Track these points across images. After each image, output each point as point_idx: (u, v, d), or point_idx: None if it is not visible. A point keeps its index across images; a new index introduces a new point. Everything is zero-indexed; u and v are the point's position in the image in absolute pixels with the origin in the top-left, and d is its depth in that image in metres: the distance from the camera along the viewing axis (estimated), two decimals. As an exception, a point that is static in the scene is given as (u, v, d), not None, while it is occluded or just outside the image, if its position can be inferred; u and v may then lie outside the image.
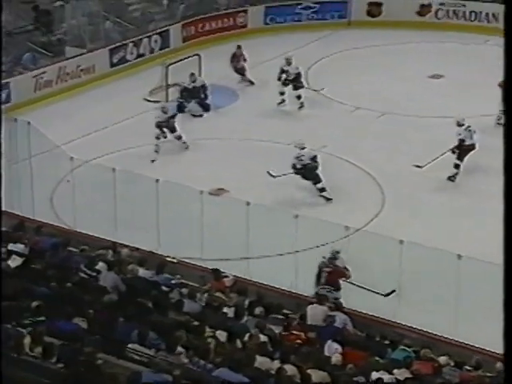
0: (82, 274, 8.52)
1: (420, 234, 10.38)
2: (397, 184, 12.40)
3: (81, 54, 16.66)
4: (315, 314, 8.38)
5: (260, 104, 15.52)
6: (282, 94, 15.08)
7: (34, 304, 6.98)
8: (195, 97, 15.16)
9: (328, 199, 11.78)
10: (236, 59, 16.36)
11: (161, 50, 17.99)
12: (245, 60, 16.36)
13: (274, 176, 11.93)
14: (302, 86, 14.97)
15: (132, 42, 17.57)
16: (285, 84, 14.95)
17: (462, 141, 12.17)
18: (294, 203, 11.44)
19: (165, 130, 13.58)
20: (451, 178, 12.26)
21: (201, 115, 15.17)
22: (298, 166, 11.70)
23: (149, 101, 15.86)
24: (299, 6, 20.02)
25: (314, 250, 10.10)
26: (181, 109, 14.77)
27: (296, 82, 14.88)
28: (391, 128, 14.55)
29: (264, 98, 15.69)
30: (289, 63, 14.95)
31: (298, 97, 14.96)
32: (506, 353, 2.59)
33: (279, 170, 12.14)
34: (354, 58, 18.09)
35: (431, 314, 8.80)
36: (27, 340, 6.40)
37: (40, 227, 9.80)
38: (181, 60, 16.10)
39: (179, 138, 13.65)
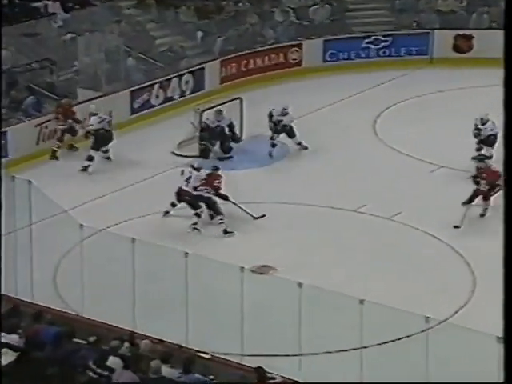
0: (91, 373, 8.62)
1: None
2: (490, 263, 12.36)
3: (95, 98, 17.23)
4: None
5: (314, 159, 15.79)
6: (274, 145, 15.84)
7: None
8: (220, 139, 15.97)
9: None
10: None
11: (193, 92, 18.47)
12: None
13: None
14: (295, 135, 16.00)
15: (158, 83, 18.08)
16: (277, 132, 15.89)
17: None
18: (358, 285, 11.48)
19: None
20: None
21: (230, 157, 15.87)
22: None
23: (178, 155, 16.25)
24: (367, 40, 20.44)
25: (384, 347, 10.08)
26: (205, 154, 15.65)
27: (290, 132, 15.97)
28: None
29: (319, 152, 15.96)
30: (284, 114, 15.78)
31: (299, 143, 15.96)
32: (506, 352, 2.87)
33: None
34: (436, 104, 18.30)
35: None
36: None
37: (39, 313, 9.93)
38: (218, 105, 16.49)
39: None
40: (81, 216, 12.58)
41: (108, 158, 15.92)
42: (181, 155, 16.22)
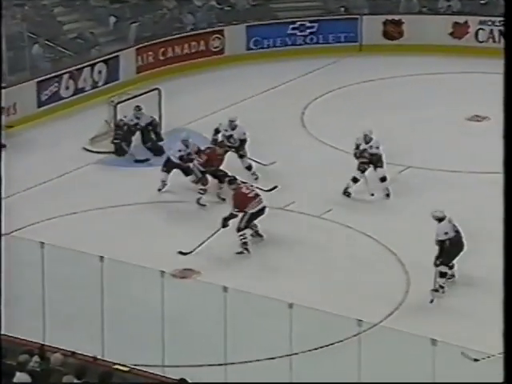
0: (-4, 391, 8.52)
1: (456, 330, 10.54)
2: (424, 262, 12.59)
3: (-2, 89, 16.96)
4: None
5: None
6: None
7: None
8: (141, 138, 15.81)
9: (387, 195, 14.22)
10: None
11: (107, 83, 18.35)
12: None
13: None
14: (246, 155, 15.00)
15: (68, 73, 17.90)
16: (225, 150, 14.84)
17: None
18: (287, 288, 11.57)
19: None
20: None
21: (147, 160, 15.69)
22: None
23: (90, 151, 16.12)
24: (292, 26, 20.58)
25: (315, 353, 10.17)
26: (119, 152, 15.54)
27: (240, 149, 14.94)
28: (416, 187, 14.83)
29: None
30: (233, 127, 14.95)
31: (249, 167, 14.95)
32: (506, 352, 3.03)
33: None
34: (365, 94, 18.53)
35: None
36: None
37: None
38: (134, 97, 16.40)
39: None
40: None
41: None
42: (93, 151, 16.11)
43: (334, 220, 13.65)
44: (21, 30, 18.22)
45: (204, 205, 14.12)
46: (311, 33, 20.54)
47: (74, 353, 9.60)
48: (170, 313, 10.16)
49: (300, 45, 20.47)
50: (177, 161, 14.42)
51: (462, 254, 11.80)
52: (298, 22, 20.50)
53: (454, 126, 16.93)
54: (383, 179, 14.40)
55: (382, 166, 14.34)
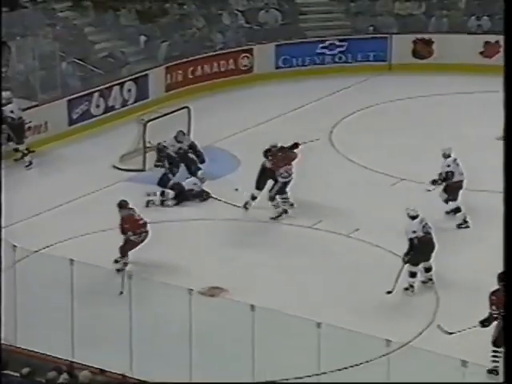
0: (25, 408, 8.57)
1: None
2: (456, 282, 12.53)
3: (30, 108, 17.11)
4: None
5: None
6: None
7: None
8: (184, 163, 15.51)
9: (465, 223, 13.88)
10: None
11: (137, 101, 18.47)
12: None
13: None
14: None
15: (98, 91, 18.04)
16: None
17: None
18: (315, 307, 11.54)
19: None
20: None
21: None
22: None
23: (119, 169, 16.21)
24: (321, 45, 20.65)
25: (343, 373, 10.12)
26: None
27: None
28: (444, 206, 14.75)
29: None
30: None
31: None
32: (506, 353, 3.08)
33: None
34: (395, 113, 18.52)
35: None
36: None
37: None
38: (164, 115, 16.50)
39: None
40: (13, 236, 12.46)
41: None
42: (123, 169, 16.20)
43: (362, 239, 13.60)
44: (53, 49, 18.39)
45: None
46: (340, 52, 20.61)
47: (102, 370, 9.63)
48: (198, 331, 10.16)
49: (329, 63, 20.54)
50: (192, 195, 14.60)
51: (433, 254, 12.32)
52: (328, 41, 20.58)
53: (485, 145, 16.84)
54: (448, 212, 14.16)
55: (454, 198, 14.06)
